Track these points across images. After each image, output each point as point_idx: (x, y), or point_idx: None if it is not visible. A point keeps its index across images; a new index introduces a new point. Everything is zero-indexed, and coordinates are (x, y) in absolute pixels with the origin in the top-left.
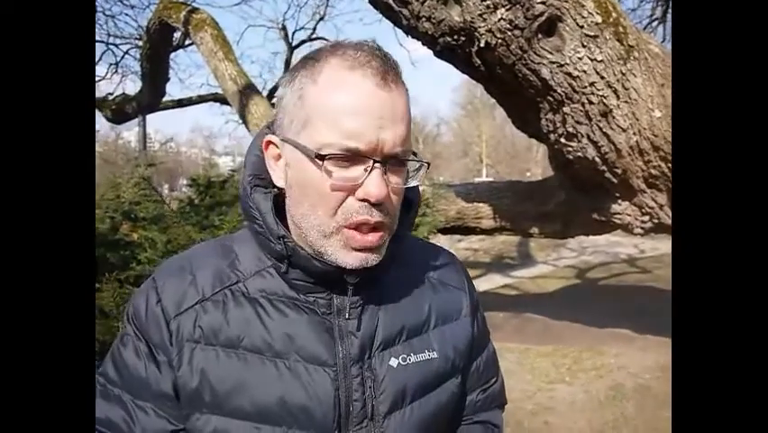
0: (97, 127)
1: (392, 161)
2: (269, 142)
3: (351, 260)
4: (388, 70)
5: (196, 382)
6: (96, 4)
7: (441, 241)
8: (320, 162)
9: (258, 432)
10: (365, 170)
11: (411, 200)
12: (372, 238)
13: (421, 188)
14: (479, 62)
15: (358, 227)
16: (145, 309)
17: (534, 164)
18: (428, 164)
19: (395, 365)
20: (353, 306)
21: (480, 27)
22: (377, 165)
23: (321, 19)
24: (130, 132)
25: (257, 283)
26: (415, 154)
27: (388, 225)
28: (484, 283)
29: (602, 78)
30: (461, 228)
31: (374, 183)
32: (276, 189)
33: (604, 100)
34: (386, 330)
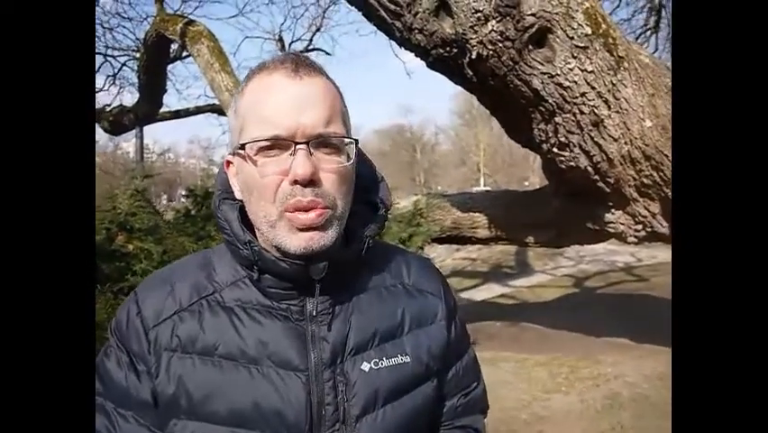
0: (96, 138)
1: (316, 142)
2: (228, 162)
3: (297, 241)
4: (300, 65)
5: (173, 388)
6: (95, 16)
7: (438, 250)
8: (244, 153)
9: None
10: (291, 154)
11: (376, 202)
12: (311, 215)
13: (414, 198)
14: (471, 73)
15: (296, 209)
16: (126, 321)
17: (532, 173)
18: (356, 141)
19: (367, 369)
20: (324, 311)
21: (471, 39)
22: (299, 147)
23: (317, 30)
24: (128, 143)
25: (233, 293)
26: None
27: (327, 204)
28: (482, 293)
29: (593, 88)
30: (456, 238)
31: (299, 163)
32: (242, 201)
33: (595, 110)
34: (358, 335)
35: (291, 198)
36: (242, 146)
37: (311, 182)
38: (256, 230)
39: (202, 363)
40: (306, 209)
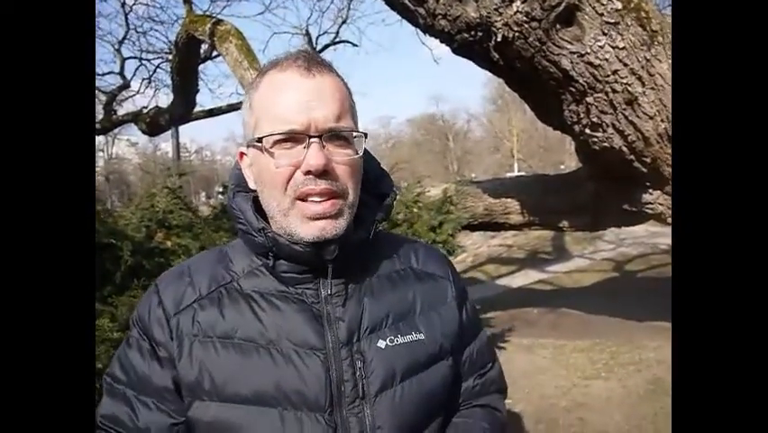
0: (135, 140)
1: (329, 135)
2: (242, 154)
3: (310, 230)
4: (312, 63)
5: (195, 372)
6: (129, 21)
7: (473, 237)
8: (261, 145)
9: (255, 415)
10: (304, 147)
11: (384, 192)
12: (325, 205)
13: (444, 186)
14: (497, 57)
15: (307, 198)
16: (148, 312)
17: (569, 156)
18: (365, 135)
19: (383, 346)
20: (338, 293)
21: (496, 21)
22: (313, 140)
23: (344, 22)
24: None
25: (250, 281)
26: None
27: (339, 193)
28: (519, 279)
29: (625, 65)
30: (490, 225)
31: (312, 155)
32: (255, 193)
33: (628, 88)
34: (372, 315)
35: (303, 186)
36: (259, 140)
37: (324, 173)
38: (269, 218)
39: (223, 347)
40: (320, 195)
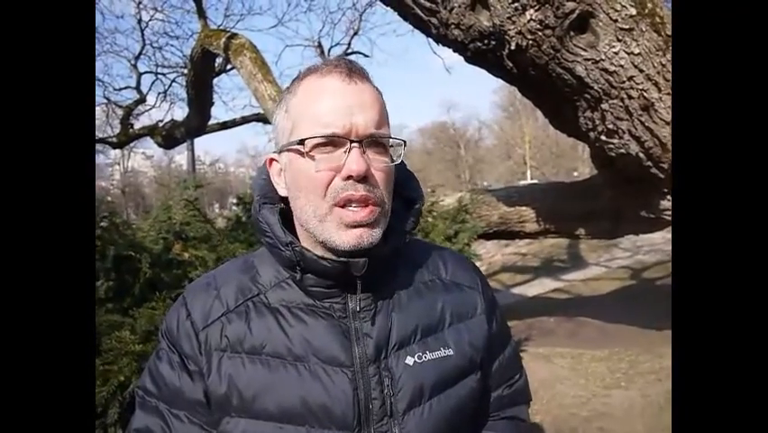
0: (151, 153)
1: (368, 141)
2: (272, 160)
3: (347, 238)
4: (353, 70)
5: (224, 387)
6: (145, 37)
7: (486, 246)
8: (303, 150)
9: (282, 432)
10: (345, 151)
11: (412, 199)
12: (363, 213)
13: (458, 195)
14: (510, 65)
15: (346, 205)
16: (177, 324)
17: (581, 163)
18: (404, 142)
19: (411, 363)
20: (367, 308)
21: (509, 30)
22: (354, 145)
23: (355, 34)
24: (181, 155)
25: (277, 294)
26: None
27: (377, 201)
28: (534, 288)
29: (641, 71)
30: (505, 233)
31: (353, 160)
32: (282, 205)
33: (644, 94)
34: (400, 330)
35: (343, 191)
36: (300, 142)
37: (363, 178)
38: (297, 229)
39: (251, 363)
40: (359, 201)
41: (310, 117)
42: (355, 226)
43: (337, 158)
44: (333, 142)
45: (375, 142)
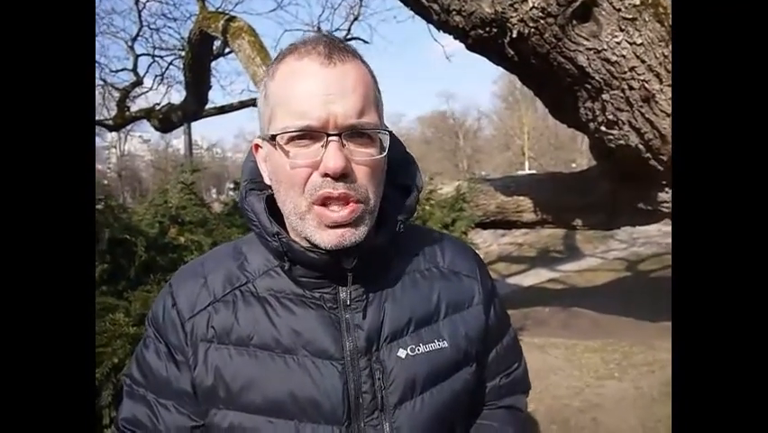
0: (147, 136)
1: (349, 133)
2: (257, 146)
3: (327, 238)
4: (334, 50)
5: (211, 379)
6: (142, 18)
7: (483, 236)
8: (275, 143)
9: (271, 426)
10: (322, 145)
11: (408, 186)
12: (343, 213)
13: (456, 183)
14: (512, 53)
15: (325, 203)
16: (162, 313)
17: (580, 155)
18: (390, 132)
19: (403, 356)
20: (358, 299)
21: (511, 17)
22: (331, 138)
23: (355, 19)
24: (178, 140)
25: (265, 282)
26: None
27: (359, 198)
28: (529, 278)
29: (643, 62)
30: (501, 222)
31: (330, 155)
32: (270, 191)
33: (645, 85)
34: (393, 322)
35: (320, 189)
36: (273, 137)
37: (342, 175)
38: (285, 219)
39: (238, 354)
40: (339, 200)
41: (285, 106)
42: (336, 227)
43: (314, 153)
44: (309, 134)
45: (357, 133)
